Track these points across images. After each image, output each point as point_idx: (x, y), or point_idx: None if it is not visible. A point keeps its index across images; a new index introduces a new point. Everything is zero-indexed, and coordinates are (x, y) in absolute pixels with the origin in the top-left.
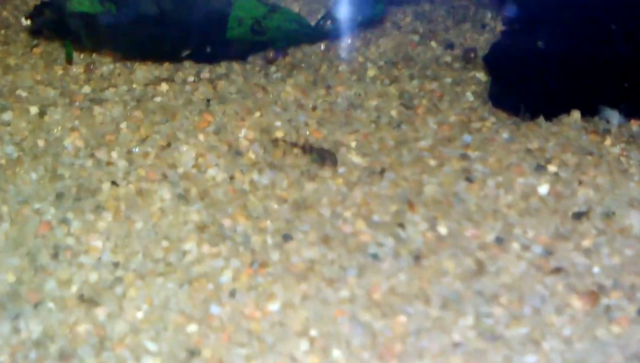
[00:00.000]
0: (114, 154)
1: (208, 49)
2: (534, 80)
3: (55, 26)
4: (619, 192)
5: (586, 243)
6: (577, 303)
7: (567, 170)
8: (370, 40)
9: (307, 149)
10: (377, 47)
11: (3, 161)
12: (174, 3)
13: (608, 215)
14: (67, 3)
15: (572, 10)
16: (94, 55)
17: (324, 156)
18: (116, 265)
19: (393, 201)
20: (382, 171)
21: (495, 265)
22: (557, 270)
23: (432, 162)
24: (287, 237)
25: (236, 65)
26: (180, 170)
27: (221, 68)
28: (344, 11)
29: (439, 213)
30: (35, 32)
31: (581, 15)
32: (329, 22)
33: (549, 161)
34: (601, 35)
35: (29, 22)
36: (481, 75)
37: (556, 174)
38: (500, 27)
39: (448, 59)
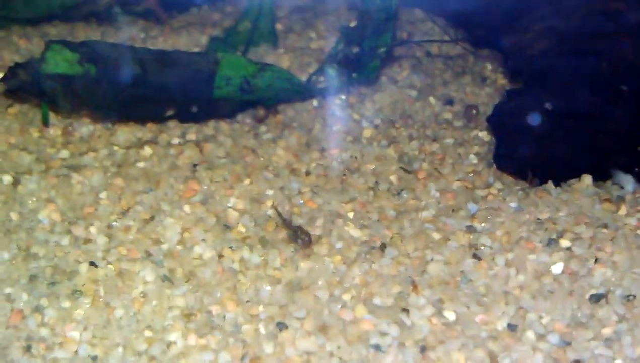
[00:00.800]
0: (93, 229)
1: (194, 109)
2: (541, 142)
3: (31, 88)
4: (638, 271)
5: (606, 331)
6: None
7: (582, 245)
8: (366, 96)
9: (287, 224)
10: (373, 103)
11: None
12: (156, 62)
13: (628, 299)
14: (42, 64)
15: (581, 68)
16: (71, 117)
17: (296, 235)
18: (94, 359)
19: (395, 281)
20: (383, 246)
21: (509, 357)
22: None
23: (436, 236)
24: (281, 326)
25: (224, 125)
26: (165, 246)
27: (208, 128)
28: (339, 65)
29: (445, 296)
30: (9, 92)
31: (591, 74)
32: (321, 78)
33: (561, 235)
34: (612, 94)
35: (1, 84)
36: (484, 135)
37: (570, 249)
38: (501, 79)
39: (448, 116)
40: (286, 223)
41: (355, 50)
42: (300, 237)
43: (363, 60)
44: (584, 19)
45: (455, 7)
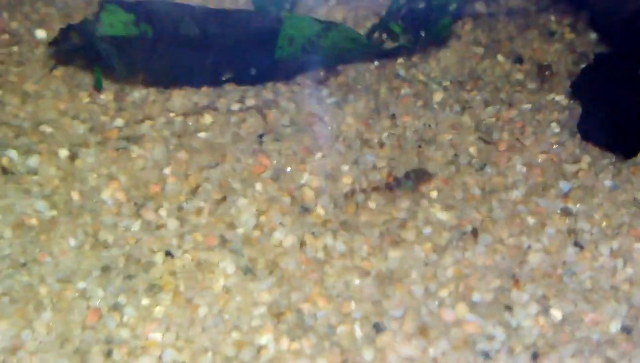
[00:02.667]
0: (163, 212)
1: (253, 71)
2: (631, 112)
3: (85, 51)
4: None
5: None
6: None
7: None
8: (429, 53)
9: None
10: (438, 61)
11: (34, 221)
12: (217, 22)
13: None
14: (97, 26)
15: None
16: (128, 80)
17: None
18: None
19: (494, 274)
20: (475, 232)
21: None
22: None
23: (531, 220)
24: (378, 328)
25: (283, 88)
26: (241, 231)
27: (267, 92)
28: (403, 22)
29: (549, 291)
30: (59, 54)
31: None
32: (384, 36)
33: None
34: None
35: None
36: (561, 99)
37: None
38: (568, 34)
39: (520, 76)
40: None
41: (422, 5)
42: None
43: (432, 16)
44: None
45: None
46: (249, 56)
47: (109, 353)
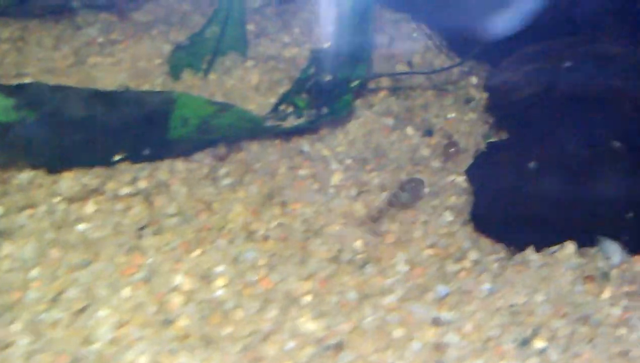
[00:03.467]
0: (18, 326)
1: (146, 151)
2: (524, 202)
3: None
4: None
5: None
6: None
7: (557, 347)
8: (338, 125)
9: None
10: (346, 134)
11: None
12: (105, 104)
13: None
14: None
15: (573, 120)
16: (11, 165)
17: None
18: None
19: None
20: (339, 347)
21: None
22: None
23: (400, 332)
24: None
25: (181, 165)
26: (95, 346)
27: (163, 171)
28: (308, 95)
29: None
30: None
31: (582, 128)
32: (290, 110)
33: (536, 332)
34: (605, 152)
35: None
36: (462, 181)
37: (544, 352)
38: (486, 101)
39: (426, 152)
40: None
41: (328, 78)
42: None
43: (335, 92)
44: (579, 64)
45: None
46: (142, 136)
47: None
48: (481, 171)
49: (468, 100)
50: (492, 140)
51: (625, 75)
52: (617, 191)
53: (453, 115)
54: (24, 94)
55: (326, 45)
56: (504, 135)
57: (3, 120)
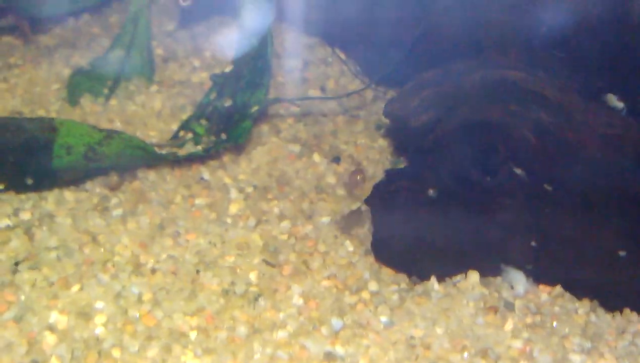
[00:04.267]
0: None
1: (29, 181)
2: (425, 231)
3: None
4: None
5: None
6: None
7: None
8: (242, 151)
9: None
10: (249, 162)
11: None
12: None
13: None
14: None
15: (472, 147)
16: None
17: None
18: None
19: None
20: None
21: None
22: None
23: None
24: None
25: (69, 195)
26: None
27: (49, 202)
28: (207, 121)
29: None
30: None
31: (483, 155)
32: (188, 135)
33: None
34: (506, 179)
35: None
36: (367, 210)
37: None
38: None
39: (332, 179)
40: None
41: (228, 103)
42: None
43: (234, 117)
44: (481, 88)
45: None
46: (24, 164)
47: None
48: (381, 200)
49: (379, 127)
50: (399, 166)
51: (524, 100)
52: (520, 219)
53: (363, 141)
54: None
55: (227, 69)
56: (405, 162)
57: None
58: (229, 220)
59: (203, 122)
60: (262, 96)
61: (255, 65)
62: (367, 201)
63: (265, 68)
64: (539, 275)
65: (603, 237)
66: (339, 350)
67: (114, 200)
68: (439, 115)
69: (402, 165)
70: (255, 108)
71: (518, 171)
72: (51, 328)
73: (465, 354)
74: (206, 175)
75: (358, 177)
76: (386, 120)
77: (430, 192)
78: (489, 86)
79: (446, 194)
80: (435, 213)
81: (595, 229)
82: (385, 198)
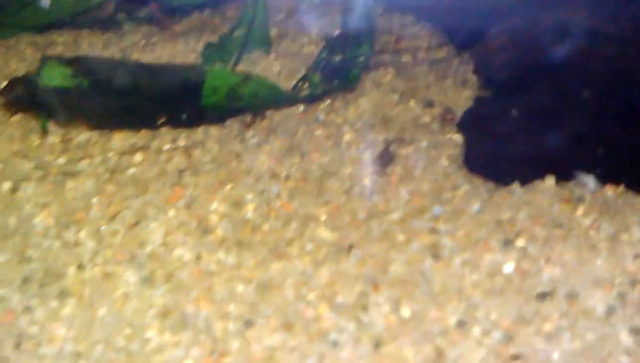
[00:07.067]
0: (82, 234)
1: (184, 116)
2: (509, 145)
3: (29, 100)
4: (584, 269)
5: (548, 326)
6: None
7: (535, 245)
8: (349, 100)
9: None
10: (356, 107)
11: None
12: (149, 74)
13: (572, 296)
14: (38, 78)
15: (544, 77)
16: (69, 125)
17: None
18: (78, 355)
19: (358, 281)
20: (350, 247)
21: (454, 352)
22: (516, 357)
23: (401, 237)
24: (248, 323)
25: (214, 130)
26: (148, 249)
27: (198, 134)
28: (322, 73)
29: (403, 294)
30: (10, 104)
31: (553, 83)
32: (306, 85)
33: (517, 235)
34: (575, 101)
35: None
36: (458, 137)
37: (524, 249)
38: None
39: (427, 118)
40: None
41: (339, 58)
42: None
43: (345, 68)
44: (545, 31)
45: (436, 12)
46: (180, 103)
47: (17, 345)
48: (470, 122)
49: (464, 82)
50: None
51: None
52: (589, 132)
53: (451, 93)
54: (79, 65)
55: (337, 31)
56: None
57: (63, 86)
58: (343, 146)
59: (318, 74)
60: (367, 49)
61: (360, 28)
62: (458, 125)
63: (369, 29)
64: (606, 178)
65: None
66: (441, 226)
67: (249, 133)
68: (512, 57)
69: None
70: (362, 58)
71: (586, 93)
72: (214, 212)
73: (544, 227)
74: (322, 116)
75: (449, 116)
76: (471, 76)
77: (513, 111)
78: (560, 28)
79: (527, 116)
80: (516, 131)
81: None
82: (474, 120)
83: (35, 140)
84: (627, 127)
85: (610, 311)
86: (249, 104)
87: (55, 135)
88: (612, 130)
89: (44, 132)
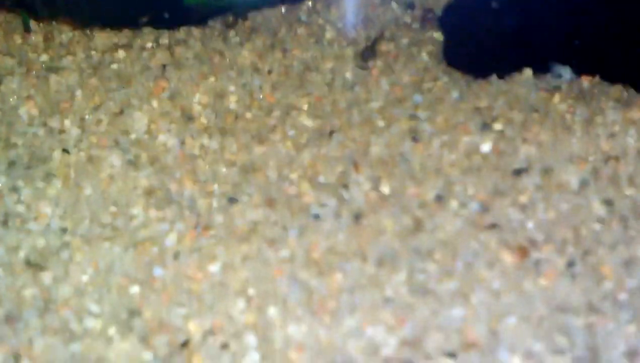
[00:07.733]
0: (67, 122)
1: (166, 15)
2: (487, 38)
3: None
4: (560, 148)
5: (523, 198)
6: (508, 257)
7: (512, 128)
8: (331, 2)
9: None
10: (338, 9)
11: None
12: None
13: (547, 171)
14: None
15: None
16: (53, 23)
17: None
18: (64, 230)
19: (339, 162)
20: (331, 133)
21: (432, 222)
22: (492, 226)
23: (381, 123)
24: (232, 200)
25: (195, 31)
26: (133, 136)
27: (180, 34)
28: None
29: (383, 173)
30: None
31: None
32: None
33: (495, 119)
34: None
35: None
36: (438, 35)
37: (501, 131)
38: None
39: (407, 19)
40: None
41: None
42: None
43: None
44: None
45: None
46: (162, 3)
47: (4, 222)
48: (451, 17)
49: None
50: None
51: None
52: (566, 25)
53: None
54: None
55: None
56: None
57: None
58: (325, 43)
59: None
60: None
61: None
62: (439, 19)
63: None
64: (581, 68)
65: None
66: (421, 113)
67: (231, 33)
68: None
69: None
70: None
71: None
72: (197, 102)
73: (521, 112)
74: (304, 17)
75: (429, 16)
76: None
77: (493, 4)
78: None
79: (504, 10)
80: (495, 24)
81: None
82: (453, 14)
83: (18, 39)
84: (604, 21)
85: (584, 184)
86: (231, 3)
87: (38, 35)
88: (589, 24)
89: (27, 31)
